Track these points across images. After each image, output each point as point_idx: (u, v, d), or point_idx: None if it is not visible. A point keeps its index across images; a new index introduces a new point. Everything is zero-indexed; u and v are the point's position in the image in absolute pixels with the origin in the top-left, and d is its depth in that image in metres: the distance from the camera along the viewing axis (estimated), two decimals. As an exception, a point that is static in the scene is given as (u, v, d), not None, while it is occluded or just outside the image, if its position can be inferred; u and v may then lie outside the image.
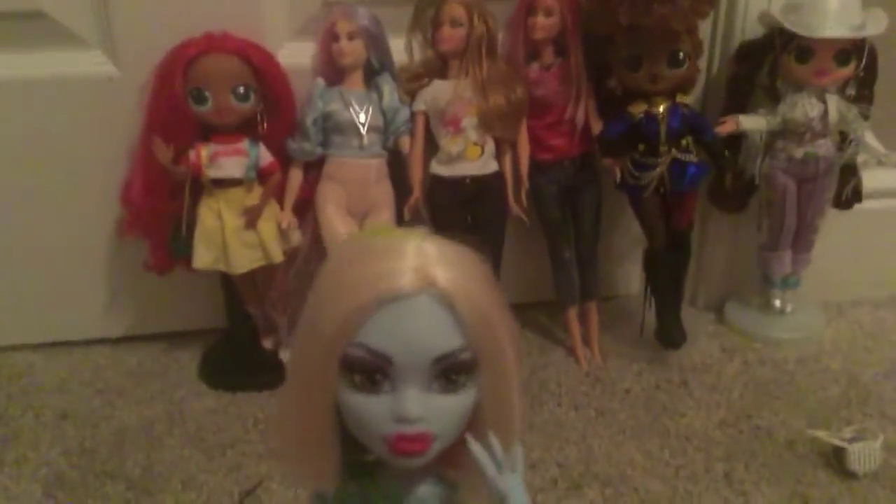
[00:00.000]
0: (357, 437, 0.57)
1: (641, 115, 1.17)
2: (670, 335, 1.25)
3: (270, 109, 1.16)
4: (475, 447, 0.58)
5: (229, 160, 1.14)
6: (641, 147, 1.19)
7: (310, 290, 0.57)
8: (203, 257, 1.16)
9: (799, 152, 1.22)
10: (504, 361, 0.57)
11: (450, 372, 0.54)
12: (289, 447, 0.61)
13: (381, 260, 0.54)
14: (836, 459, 1.06)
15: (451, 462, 0.60)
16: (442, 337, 0.54)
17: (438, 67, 1.19)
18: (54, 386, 1.25)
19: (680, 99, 1.18)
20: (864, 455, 1.04)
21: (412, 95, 1.19)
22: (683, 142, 1.18)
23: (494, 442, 0.58)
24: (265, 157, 1.16)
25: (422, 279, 0.53)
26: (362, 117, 1.16)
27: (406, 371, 0.53)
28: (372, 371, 0.53)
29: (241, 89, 1.12)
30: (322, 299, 0.56)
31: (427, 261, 0.54)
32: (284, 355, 1.27)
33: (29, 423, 1.17)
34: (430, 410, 0.54)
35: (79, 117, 1.18)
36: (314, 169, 1.19)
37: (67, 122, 1.19)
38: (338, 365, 0.54)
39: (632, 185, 1.21)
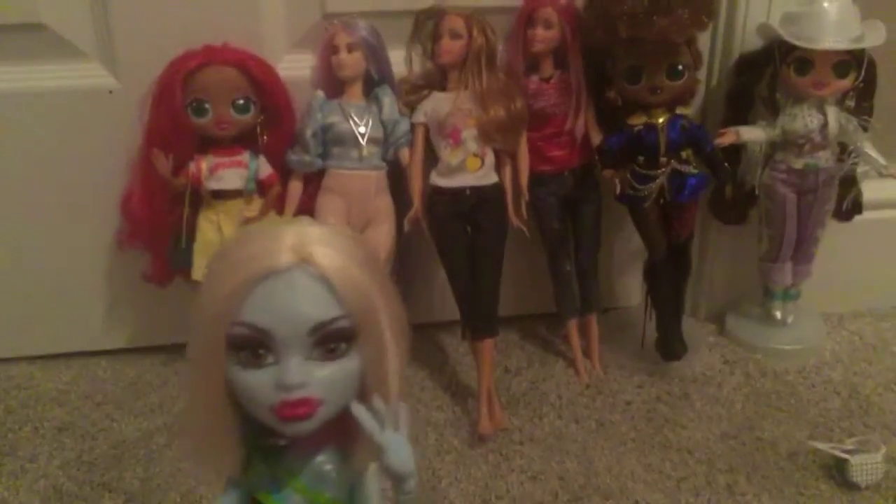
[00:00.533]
0: (250, 412, 0.60)
1: (641, 127, 1.17)
2: (671, 347, 1.25)
3: (270, 121, 1.16)
4: (355, 408, 0.61)
5: (229, 172, 1.14)
6: (641, 159, 1.19)
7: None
8: (203, 269, 1.15)
9: (799, 164, 1.22)
10: (380, 330, 0.60)
11: (328, 340, 0.58)
12: (193, 433, 0.64)
13: (260, 241, 0.58)
14: (837, 471, 1.06)
15: (346, 433, 0.64)
16: (317, 308, 0.57)
17: (438, 79, 1.19)
18: (53, 398, 1.25)
19: (679, 111, 1.18)
20: (866, 467, 1.03)
21: (412, 107, 1.19)
22: (683, 153, 1.18)
23: (378, 403, 0.62)
24: (265, 168, 1.16)
25: (296, 255, 0.57)
26: (362, 129, 1.16)
27: (286, 342, 0.57)
28: (255, 346, 0.57)
29: (241, 101, 1.12)
30: (207, 283, 0.60)
31: (304, 239, 0.58)
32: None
33: (27, 435, 1.17)
34: (312, 377, 0.58)
35: (79, 129, 1.19)
36: (314, 181, 1.19)
37: (67, 135, 1.19)
38: (224, 345, 0.57)
39: (632, 197, 1.21)
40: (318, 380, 0.58)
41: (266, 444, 0.64)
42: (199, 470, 0.69)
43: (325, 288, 0.57)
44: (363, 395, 0.62)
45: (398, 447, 0.63)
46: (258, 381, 0.58)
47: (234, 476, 0.66)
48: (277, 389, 0.58)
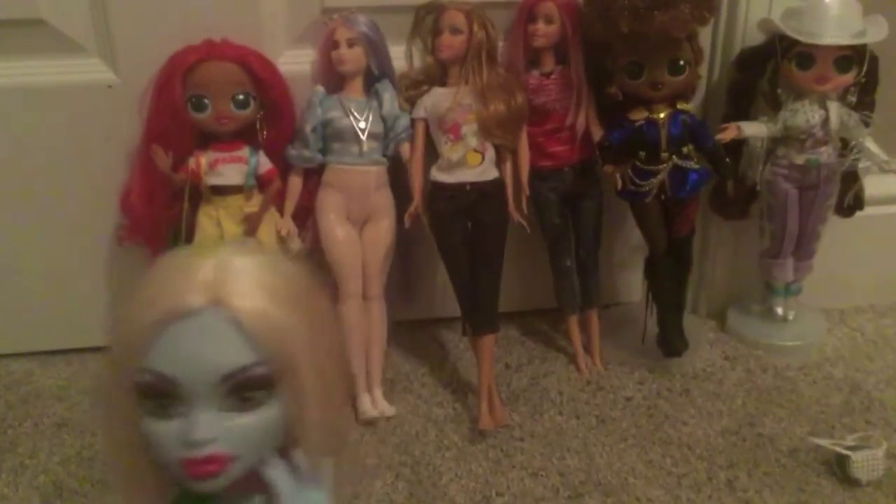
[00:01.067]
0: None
1: (642, 122, 1.17)
2: (672, 343, 1.25)
3: (270, 117, 1.16)
4: (267, 469, 0.56)
5: (229, 167, 1.14)
6: (642, 154, 1.18)
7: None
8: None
9: (800, 159, 1.21)
10: (302, 377, 0.54)
11: (242, 389, 0.53)
12: (116, 473, 0.59)
13: (172, 277, 0.53)
14: (839, 467, 1.05)
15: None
16: (228, 355, 0.52)
17: (438, 75, 1.19)
18: (53, 394, 1.24)
19: (681, 106, 1.18)
20: (868, 463, 1.03)
21: (412, 102, 1.19)
22: (684, 149, 1.18)
23: (300, 458, 0.57)
24: (265, 164, 1.16)
25: (209, 295, 0.52)
26: (362, 124, 1.16)
27: (194, 392, 0.52)
28: (161, 395, 0.52)
29: (241, 96, 1.12)
30: (115, 321, 0.55)
31: (220, 276, 0.53)
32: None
33: (27, 431, 1.17)
34: (224, 431, 0.53)
35: (78, 125, 1.18)
36: (314, 176, 1.19)
37: (67, 130, 1.19)
38: (133, 391, 0.53)
39: (633, 192, 1.21)
40: (230, 433, 0.53)
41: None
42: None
43: (239, 332, 0.52)
44: (290, 444, 0.57)
45: None
46: (165, 433, 0.53)
47: None
48: (183, 445, 0.52)
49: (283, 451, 0.57)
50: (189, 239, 1.15)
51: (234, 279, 0.53)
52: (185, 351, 0.52)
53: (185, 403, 0.52)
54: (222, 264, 0.54)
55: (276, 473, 0.57)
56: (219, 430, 0.53)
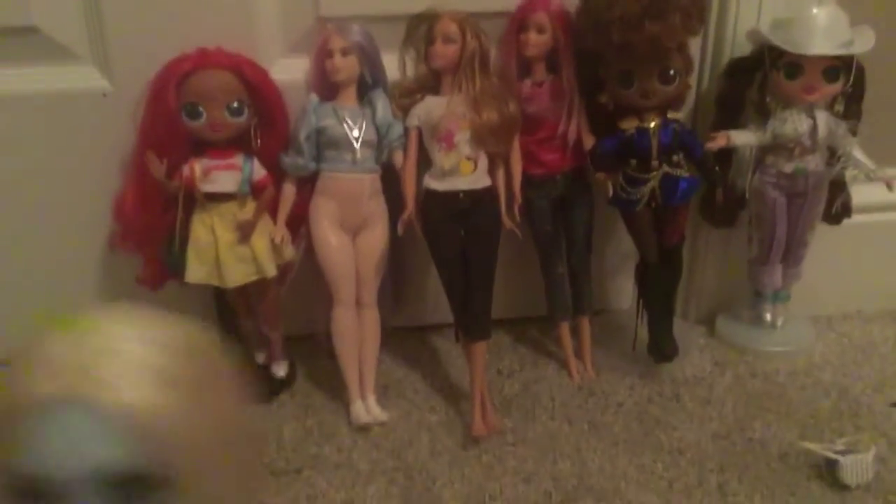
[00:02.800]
0: None
1: (633, 131, 1.18)
2: (662, 349, 1.26)
3: (264, 124, 1.16)
4: None
5: (223, 174, 1.14)
6: (633, 162, 1.19)
7: None
8: (196, 271, 1.16)
9: (789, 167, 1.23)
10: (198, 474, 0.47)
11: (128, 490, 0.46)
12: None
13: (23, 365, 0.46)
14: (828, 472, 1.06)
15: None
16: (94, 450, 0.45)
17: (431, 83, 1.19)
18: (45, 401, 1.24)
19: (671, 115, 1.19)
20: (857, 467, 1.04)
21: (405, 111, 1.19)
22: (674, 157, 1.19)
23: None
24: (259, 171, 1.16)
25: (65, 385, 0.45)
26: (356, 132, 1.17)
27: (69, 492, 0.45)
28: (35, 497, 0.46)
29: (235, 104, 1.12)
30: None
31: (81, 360, 0.45)
32: (276, 370, 1.27)
33: (20, 438, 1.16)
34: None
35: (72, 132, 1.18)
36: (307, 184, 1.19)
37: (61, 138, 1.19)
38: (6, 495, 0.47)
39: (624, 200, 1.22)
40: None
41: None
42: None
43: (103, 425, 0.45)
44: None
45: None
46: None
47: None
48: None
49: None
50: (183, 246, 1.16)
51: (95, 364, 0.45)
52: (48, 448, 0.45)
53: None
54: (87, 344, 0.46)
55: None
56: None
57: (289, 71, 1.19)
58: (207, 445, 0.47)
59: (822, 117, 1.20)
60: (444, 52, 1.16)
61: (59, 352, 0.46)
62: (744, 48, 1.25)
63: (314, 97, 1.17)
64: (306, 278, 1.24)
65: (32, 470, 0.45)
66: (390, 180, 1.21)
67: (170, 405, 0.46)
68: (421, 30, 1.18)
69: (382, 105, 1.18)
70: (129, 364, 0.46)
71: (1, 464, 0.46)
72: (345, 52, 1.15)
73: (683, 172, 1.20)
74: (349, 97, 1.18)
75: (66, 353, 0.46)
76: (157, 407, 0.45)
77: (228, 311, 1.26)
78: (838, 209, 1.30)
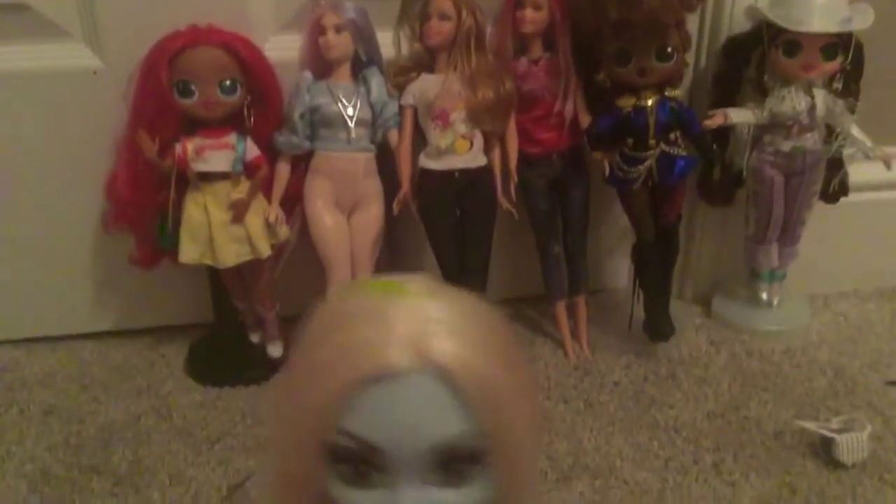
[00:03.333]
0: None
1: (630, 109, 1.17)
2: (658, 328, 1.26)
3: (257, 103, 1.15)
4: None
5: (216, 154, 1.13)
6: (630, 141, 1.19)
7: (285, 366, 0.49)
8: (189, 251, 1.15)
9: (786, 146, 1.22)
10: (519, 451, 0.48)
11: (453, 463, 0.46)
12: None
13: (364, 328, 0.45)
14: (823, 450, 1.07)
15: None
16: (441, 423, 0.45)
17: (426, 61, 1.18)
18: (39, 381, 1.24)
19: (668, 93, 1.18)
20: (852, 445, 1.04)
21: (400, 89, 1.18)
22: (672, 135, 1.19)
23: None
24: (252, 150, 1.15)
25: (415, 353, 0.44)
26: (350, 111, 1.15)
27: (400, 463, 0.45)
28: (358, 462, 0.46)
29: (228, 82, 1.11)
30: (297, 379, 0.48)
31: (423, 328, 0.45)
32: (272, 350, 1.27)
33: (14, 418, 1.16)
34: None
35: (63, 111, 1.17)
36: (302, 163, 1.19)
37: (52, 116, 1.18)
38: (321, 454, 0.47)
39: (620, 179, 1.21)
40: None
41: None
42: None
43: (451, 395, 0.45)
44: None
45: None
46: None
47: None
48: None
49: None
50: (176, 226, 1.15)
51: (438, 330, 0.45)
52: (392, 417, 0.45)
53: (388, 473, 0.46)
54: (420, 313, 0.46)
55: None
56: None
57: (282, 48, 1.18)
58: (517, 423, 0.47)
59: (821, 95, 1.20)
60: (440, 30, 1.14)
61: (394, 319, 0.45)
62: (742, 25, 1.24)
63: (308, 75, 1.15)
64: (301, 258, 1.23)
65: (371, 437, 0.45)
66: (385, 159, 1.20)
67: (496, 375, 0.46)
68: (416, 7, 1.17)
69: (377, 83, 1.17)
70: (455, 333, 0.46)
71: (325, 425, 0.45)
72: (338, 29, 1.13)
73: (681, 151, 1.19)
74: (343, 75, 1.16)
75: (400, 320, 0.45)
76: (486, 377, 0.45)
77: (223, 290, 1.25)
78: (836, 188, 1.29)
